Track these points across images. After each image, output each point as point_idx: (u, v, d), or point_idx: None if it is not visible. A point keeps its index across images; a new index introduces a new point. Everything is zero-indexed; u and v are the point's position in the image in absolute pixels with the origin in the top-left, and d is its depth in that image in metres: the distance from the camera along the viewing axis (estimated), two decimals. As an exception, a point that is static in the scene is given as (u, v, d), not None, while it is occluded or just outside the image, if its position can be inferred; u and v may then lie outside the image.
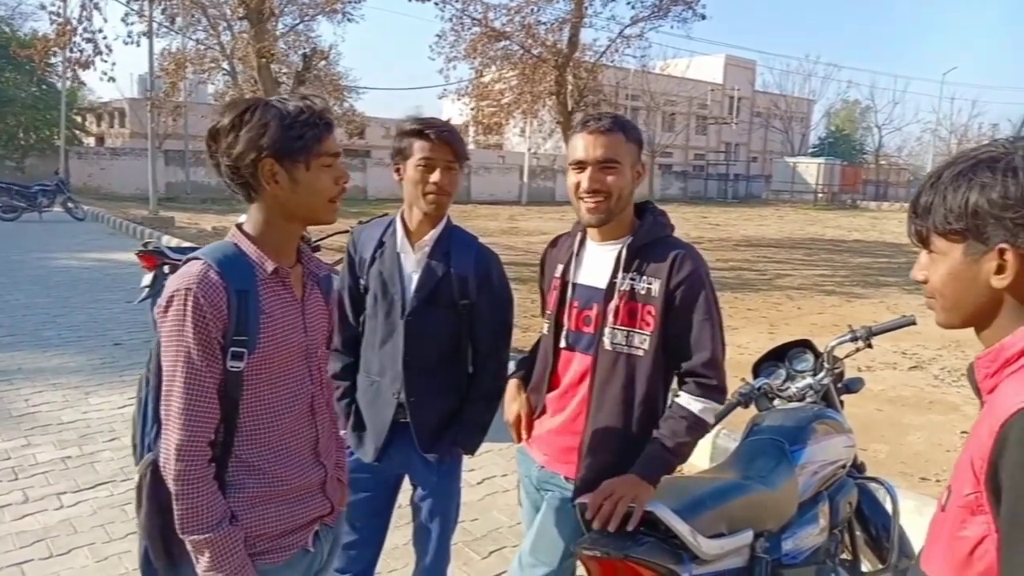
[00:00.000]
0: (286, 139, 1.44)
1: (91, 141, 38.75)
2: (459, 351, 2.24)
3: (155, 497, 1.48)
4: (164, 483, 1.46)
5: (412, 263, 2.17)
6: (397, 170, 2.17)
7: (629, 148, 1.92)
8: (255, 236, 1.52)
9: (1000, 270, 1.05)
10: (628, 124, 1.95)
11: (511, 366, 2.28)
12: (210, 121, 1.53)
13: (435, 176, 2.09)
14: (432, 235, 2.16)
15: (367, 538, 2.32)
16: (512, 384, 2.19)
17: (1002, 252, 1.04)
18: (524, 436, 2.12)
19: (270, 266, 1.50)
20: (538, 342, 2.20)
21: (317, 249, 5.61)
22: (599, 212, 1.91)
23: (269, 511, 1.52)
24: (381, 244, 2.22)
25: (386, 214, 2.26)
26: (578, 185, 1.92)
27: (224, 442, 1.47)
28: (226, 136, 1.46)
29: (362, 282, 2.24)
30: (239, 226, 1.56)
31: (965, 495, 1.04)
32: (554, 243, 2.20)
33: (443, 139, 2.10)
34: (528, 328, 6.16)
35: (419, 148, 2.09)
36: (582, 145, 1.91)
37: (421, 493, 2.30)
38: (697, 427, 1.91)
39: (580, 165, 1.91)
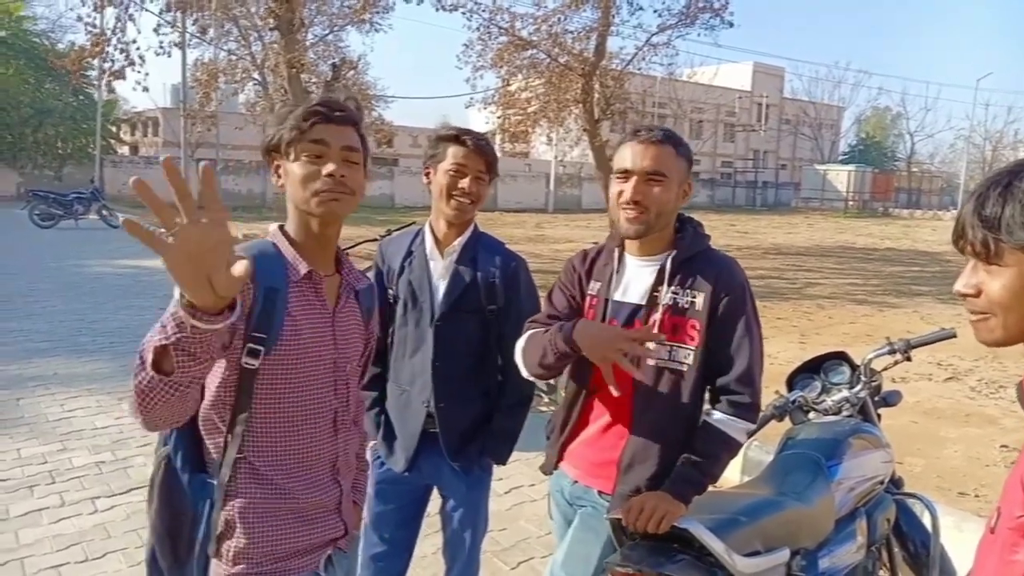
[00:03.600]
0: (279, 132, 1.47)
1: (125, 150, 39.49)
2: (487, 358, 2.25)
3: (166, 494, 1.46)
4: (178, 479, 1.44)
5: (440, 269, 2.19)
6: (427, 174, 2.18)
7: (678, 163, 1.86)
8: (293, 236, 1.51)
9: None
10: (680, 139, 1.90)
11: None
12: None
13: (465, 183, 2.11)
14: (460, 241, 2.18)
15: (396, 548, 2.32)
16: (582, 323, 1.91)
17: None
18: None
19: (303, 269, 1.47)
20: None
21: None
22: (638, 223, 1.84)
23: (277, 526, 1.45)
24: (410, 253, 2.23)
25: (414, 222, 2.29)
26: (620, 194, 1.85)
27: (232, 441, 1.41)
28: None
29: (391, 292, 2.24)
30: (281, 227, 1.54)
31: (1017, 517, 1.00)
32: (583, 258, 2.08)
33: (478, 148, 2.12)
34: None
35: (453, 153, 2.12)
36: (630, 154, 1.84)
37: (451, 503, 2.30)
38: (730, 448, 1.86)
39: (625, 174, 1.85)
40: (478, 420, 2.24)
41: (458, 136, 2.13)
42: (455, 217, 2.14)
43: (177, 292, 1.11)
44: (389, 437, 2.27)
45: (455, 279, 2.17)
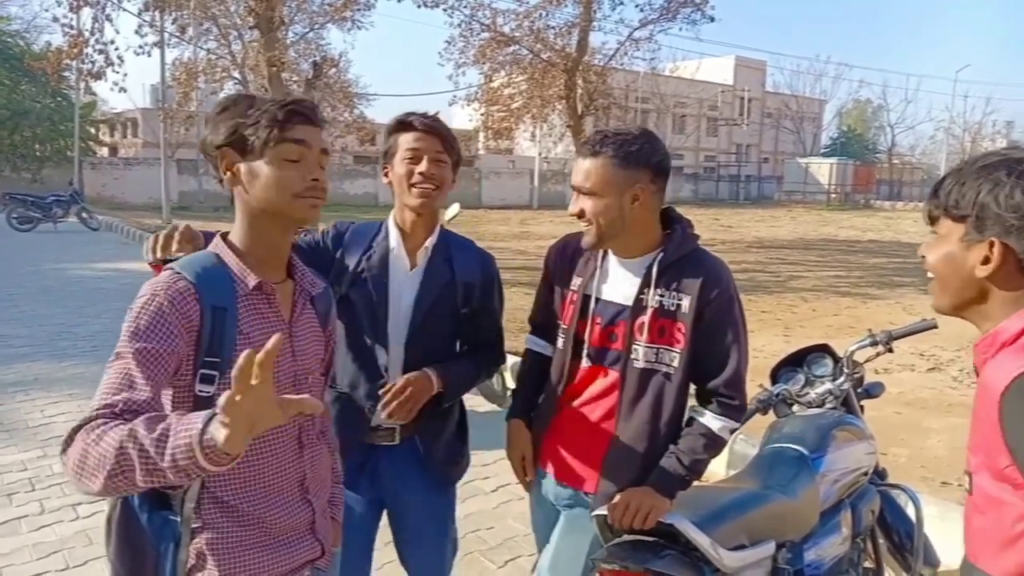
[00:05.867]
0: (243, 128, 1.34)
1: (104, 151, 39.10)
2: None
3: (124, 533, 1.36)
4: (136, 518, 1.33)
5: (407, 272, 1.99)
6: (386, 173, 2.02)
7: (617, 172, 1.79)
8: (239, 245, 1.41)
9: (985, 261, 1.16)
10: (625, 143, 1.80)
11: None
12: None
13: (423, 166, 1.93)
14: (431, 242, 2.01)
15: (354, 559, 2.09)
16: (515, 424, 2.10)
17: (991, 244, 1.15)
18: (528, 477, 2.07)
19: (252, 281, 1.36)
20: (526, 358, 2.16)
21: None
22: (590, 236, 1.86)
23: (250, 556, 1.36)
24: (369, 249, 2.00)
25: None
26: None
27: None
28: (208, 129, 1.39)
29: (337, 290, 1.93)
30: (224, 235, 1.43)
31: (1003, 468, 1.09)
32: (561, 251, 2.07)
33: (430, 128, 1.95)
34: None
35: (404, 141, 1.95)
36: (574, 168, 1.89)
37: (414, 523, 2.11)
38: (715, 446, 1.88)
39: (574, 190, 1.89)
40: (459, 429, 2.13)
41: (404, 122, 1.97)
42: (421, 206, 1.95)
43: (196, 438, 1.05)
44: None
45: (428, 283, 1.98)
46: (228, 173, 1.38)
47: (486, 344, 2.14)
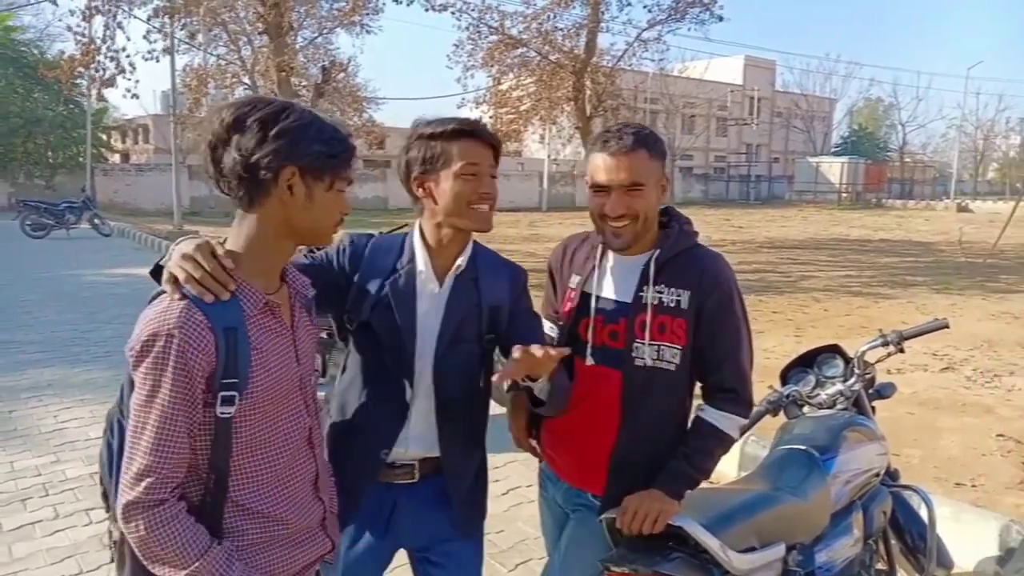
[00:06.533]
0: (319, 152, 1.35)
1: (116, 158, 39.37)
2: (484, 393, 1.87)
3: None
4: None
5: (432, 297, 1.77)
6: (420, 184, 1.74)
7: (653, 166, 1.81)
8: (241, 254, 1.37)
9: None
10: (651, 138, 1.83)
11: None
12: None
13: (486, 185, 1.72)
14: (462, 260, 1.78)
15: None
16: (515, 396, 2.00)
17: None
18: (535, 446, 2.03)
19: (261, 299, 1.36)
20: None
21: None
22: (626, 237, 1.83)
23: (273, 556, 1.41)
24: (394, 272, 1.77)
25: (407, 224, 1.92)
26: (601, 208, 1.83)
27: (217, 488, 1.33)
28: (253, 132, 1.31)
29: (350, 316, 1.77)
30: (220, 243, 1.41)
31: None
32: (565, 248, 2.08)
33: (489, 140, 1.75)
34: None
35: (463, 152, 1.69)
36: (603, 167, 1.81)
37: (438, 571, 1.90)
38: (723, 443, 1.87)
39: (603, 189, 1.82)
40: (481, 469, 1.90)
41: (464, 129, 1.71)
42: (481, 229, 1.75)
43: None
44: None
45: (453, 307, 1.76)
46: (287, 190, 1.36)
47: None
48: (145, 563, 1.27)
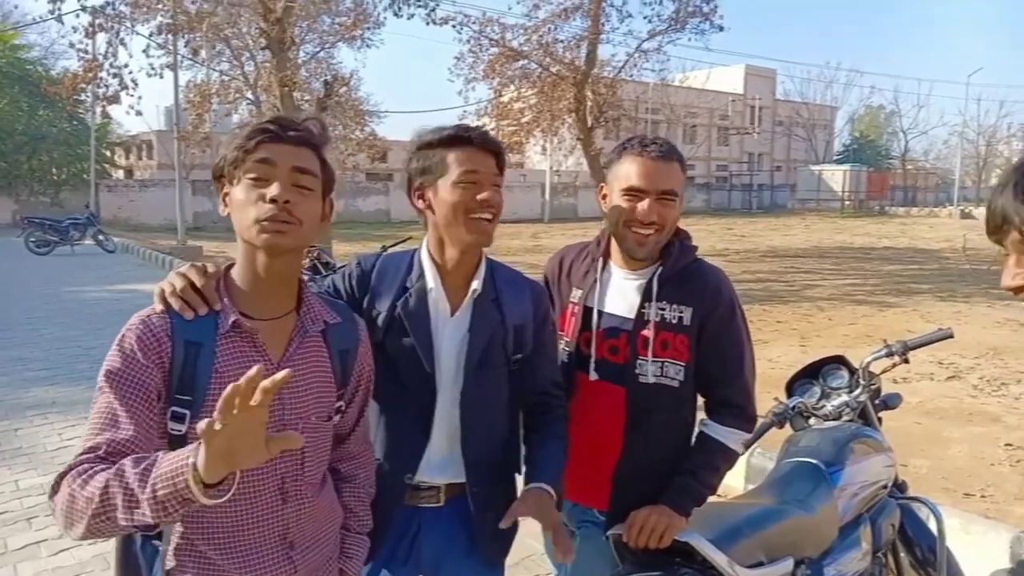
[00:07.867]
0: (230, 157, 1.30)
1: (120, 174, 39.55)
2: (513, 418, 1.79)
3: (123, 559, 1.33)
4: (133, 543, 1.32)
5: (449, 317, 1.69)
6: (420, 195, 1.67)
7: (683, 179, 1.84)
8: (237, 278, 1.34)
9: None
10: (679, 153, 1.86)
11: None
12: None
13: (485, 194, 1.61)
14: (478, 282, 1.69)
15: None
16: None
17: None
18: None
19: (231, 318, 1.28)
20: None
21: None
22: (650, 245, 1.82)
23: None
24: (404, 292, 1.69)
25: (410, 237, 1.89)
26: (632, 212, 1.79)
27: None
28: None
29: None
30: (229, 267, 1.37)
31: None
32: (561, 260, 2.05)
33: (489, 147, 1.65)
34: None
35: (459, 160, 1.60)
36: (641, 171, 1.77)
37: None
38: (728, 459, 1.86)
39: (638, 193, 1.78)
40: (510, 498, 1.75)
41: (461, 135, 1.62)
42: (479, 242, 1.65)
43: (180, 465, 1.06)
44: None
45: (477, 330, 1.67)
46: (223, 202, 1.36)
47: (547, 405, 1.80)
48: (67, 532, 1.17)
